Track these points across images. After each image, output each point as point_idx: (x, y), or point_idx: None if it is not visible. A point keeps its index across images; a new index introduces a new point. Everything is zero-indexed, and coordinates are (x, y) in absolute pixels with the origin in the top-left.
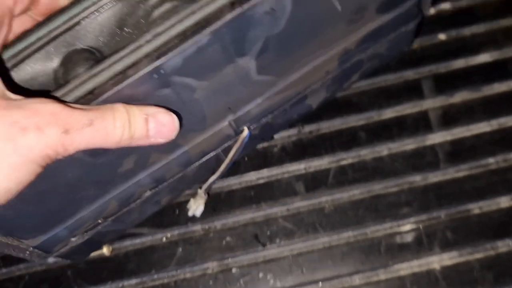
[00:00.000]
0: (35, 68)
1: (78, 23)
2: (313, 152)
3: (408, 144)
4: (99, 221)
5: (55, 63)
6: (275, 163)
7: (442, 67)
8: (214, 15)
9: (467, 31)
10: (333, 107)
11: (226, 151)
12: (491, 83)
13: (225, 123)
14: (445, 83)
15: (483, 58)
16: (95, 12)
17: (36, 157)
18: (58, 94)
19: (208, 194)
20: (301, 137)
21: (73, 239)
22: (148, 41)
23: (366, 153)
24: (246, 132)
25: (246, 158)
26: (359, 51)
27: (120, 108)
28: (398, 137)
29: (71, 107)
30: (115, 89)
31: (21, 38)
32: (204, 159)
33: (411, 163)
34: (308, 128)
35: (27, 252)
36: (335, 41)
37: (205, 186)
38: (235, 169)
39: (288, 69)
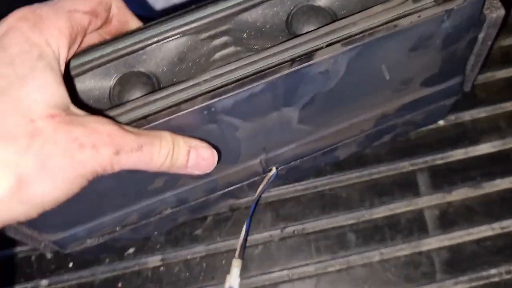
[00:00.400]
0: (94, 82)
1: (142, 48)
2: (297, 256)
3: (402, 250)
4: (117, 228)
5: (113, 80)
6: (255, 269)
7: (439, 158)
8: (272, 68)
9: (467, 115)
10: (319, 203)
11: (250, 185)
12: (492, 178)
13: (256, 161)
14: (443, 178)
15: (485, 148)
16: (160, 41)
17: (87, 173)
18: (113, 113)
19: (243, 257)
20: (285, 236)
21: (89, 240)
22: (206, 81)
23: (355, 259)
24: (273, 171)
25: (223, 262)
26: (396, 117)
27: (167, 137)
28: (391, 241)
29: (125, 129)
30: (167, 118)
31: (86, 52)
32: (228, 189)
33: (405, 273)
34: (292, 228)
35: (43, 244)
36: (376, 105)
37: (238, 250)
38: (211, 275)
39: (327, 123)
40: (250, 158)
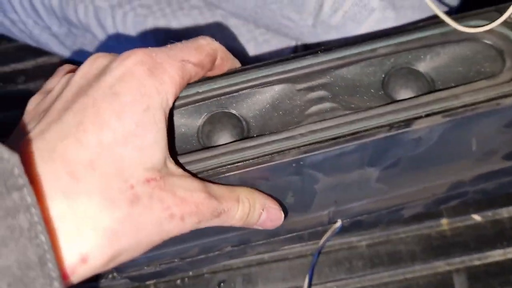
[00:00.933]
0: (185, 118)
1: (237, 90)
2: None
3: None
4: (176, 260)
5: (202, 119)
6: None
7: (476, 258)
8: (368, 131)
9: (505, 212)
10: None
11: (312, 234)
12: None
13: (325, 212)
14: (481, 281)
15: None
16: (256, 86)
17: (167, 237)
18: (204, 155)
19: None
20: None
21: (146, 267)
22: (301, 135)
23: None
24: (339, 224)
25: None
26: (470, 185)
27: (245, 202)
28: None
29: (210, 196)
30: (256, 167)
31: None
32: (290, 235)
33: None
34: None
35: None
36: (454, 172)
37: None
38: None
39: (403, 184)
40: (320, 209)
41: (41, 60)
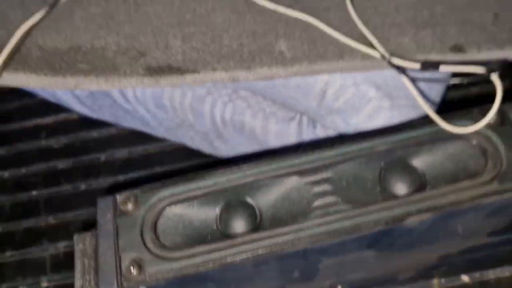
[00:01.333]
0: (203, 206)
1: (251, 181)
2: None
3: None
4: None
5: (220, 206)
6: None
7: None
8: (367, 225)
9: (492, 274)
10: None
11: None
12: None
13: (326, 282)
14: None
15: None
16: (269, 178)
17: None
18: (224, 244)
19: None
20: None
21: None
22: (308, 228)
23: None
24: None
25: None
26: (457, 256)
27: None
28: None
29: None
30: (269, 256)
31: (200, 178)
32: None
33: None
34: None
35: None
36: (443, 249)
37: None
38: None
39: (397, 260)
40: (323, 280)
41: (61, 116)
